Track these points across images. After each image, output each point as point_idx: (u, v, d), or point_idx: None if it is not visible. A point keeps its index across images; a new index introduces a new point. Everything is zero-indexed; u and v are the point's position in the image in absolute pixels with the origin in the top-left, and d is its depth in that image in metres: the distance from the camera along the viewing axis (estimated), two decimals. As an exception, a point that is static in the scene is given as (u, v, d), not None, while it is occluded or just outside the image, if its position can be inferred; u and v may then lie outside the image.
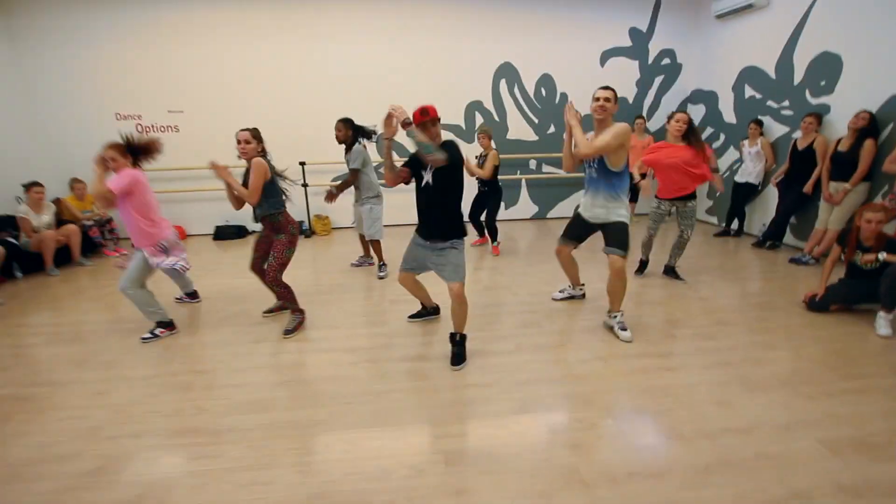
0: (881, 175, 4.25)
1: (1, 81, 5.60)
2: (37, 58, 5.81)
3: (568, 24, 6.42)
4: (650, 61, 6.74)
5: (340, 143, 4.26)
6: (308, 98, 6.32)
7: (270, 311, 3.64)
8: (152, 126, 6.15)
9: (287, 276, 3.31)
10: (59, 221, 5.27)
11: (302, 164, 6.31)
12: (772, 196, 5.48)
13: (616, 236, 3.10)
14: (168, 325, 3.32)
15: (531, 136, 6.82)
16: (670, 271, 4.35)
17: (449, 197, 2.74)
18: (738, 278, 4.41)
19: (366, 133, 4.26)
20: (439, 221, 2.78)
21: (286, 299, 3.29)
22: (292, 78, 6.24)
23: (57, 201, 5.43)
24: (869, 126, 4.30)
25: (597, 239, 3.37)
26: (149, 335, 3.23)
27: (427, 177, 2.71)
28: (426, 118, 2.57)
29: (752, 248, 5.41)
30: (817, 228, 4.75)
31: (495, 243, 5.33)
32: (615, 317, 3.20)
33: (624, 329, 3.14)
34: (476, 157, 5.09)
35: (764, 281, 4.39)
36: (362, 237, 4.77)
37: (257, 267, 3.41)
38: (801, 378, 2.66)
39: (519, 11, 6.30)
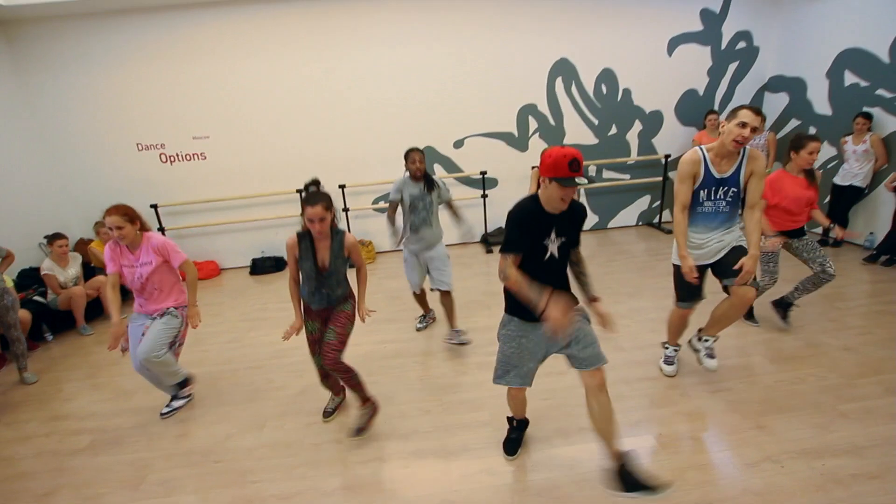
0: None
1: (8, 116, 5.07)
2: (46, 89, 5.26)
3: (631, 10, 5.64)
4: (723, 46, 5.94)
5: (418, 180, 3.37)
6: (342, 114, 5.68)
7: (331, 412, 2.89)
8: (177, 155, 5.60)
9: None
10: (87, 268, 4.81)
11: (341, 186, 5.74)
12: (883, 201, 4.77)
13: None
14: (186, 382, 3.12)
15: (591, 139, 6.12)
16: (783, 306, 3.55)
17: (567, 261, 2.12)
18: (875, 311, 3.73)
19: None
20: (565, 292, 2.14)
21: (353, 386, 2.63)
22: (326, 93, 5.59)
23: (82, 248, 4.96)
24: None
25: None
26: (170, 409, 3.06)
27: (552, 248, 2.03)
28: (575, 175, 1.85)
29: (863, 263, 4.72)
30: (958, 244, 4.05)
31: None
32: (706, 341, 2.87)
33: (712, 357, 2.87)
34: None
35: (911, 316, 3.70)
36: (420, 295, 3.80)
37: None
38: None
39: (575, 1, 5.53)
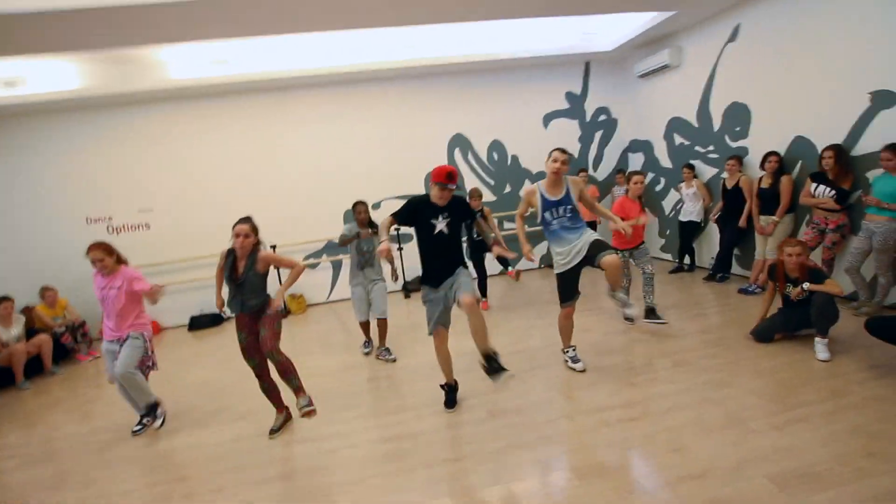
0: (802, 206, 4.71)
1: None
2: (8, 172, 6.03)
3: (510, 92, 7.06)
4: (588, 119, 7.39)
5: (365, 225, 4.38)
6: (274, 183, 6.66)
7: (277, 430, 3.23)
8: (123, 226, 6.32)
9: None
10: (30, 331, 5.25)
11: (273, 247, 6.51)
12: (715, 231, 5.93)
13: (601, 244, 3.36)
14: (156, 406, 3.52)
15: (490, 196, 7.24)
16: (651, 313, 4.41)
17: (459, 239, 3.17)
18: (692, 315, 4.70)
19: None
20: (452, 262, 3.11)
21: (288, 373, 3.15)
22: (257, 166, 6.60)
23: (27, 310, 5.43)
24: (780, 166, 4.83)
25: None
26: (140, 426, 3.47)
27: (441, 226, 3.04)
28: (447, 183, 2.93)
29: (703, 281, 5.77)
30: (757, 259, 5.15)
31: (484, 298, 5.65)
32: (619, 295, 3.52)
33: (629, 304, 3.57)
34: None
35: (716, 315, 4.69)
36: (365, 324, 4.58)
37: (253, 347, 3.14)
38: (750, 413, 2.86)
39: (465, 86, 6.93)
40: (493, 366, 2.92)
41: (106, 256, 3.34)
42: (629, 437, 2.76)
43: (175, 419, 3.67)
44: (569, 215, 3.46)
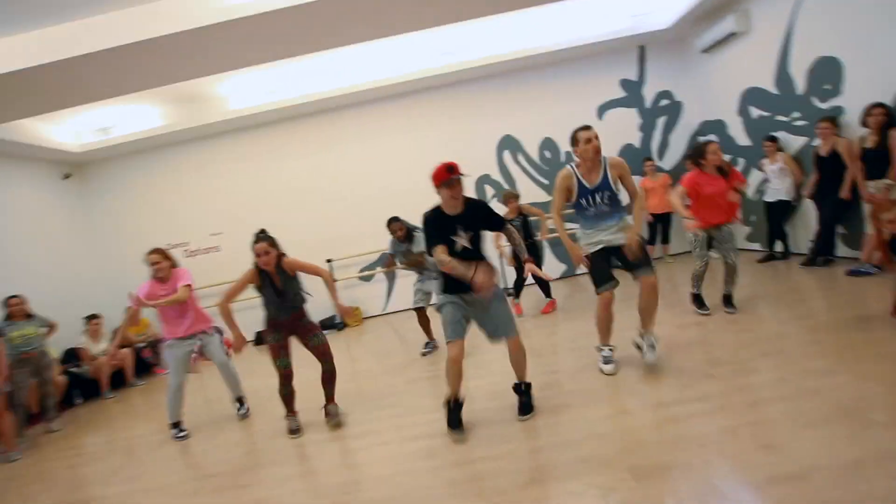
0: (922, 164, 3.83)
1: (73, 231, 6.63)
2: (102, 208, 6.90)
3: (558, 87, 6.75)
4: (648, 105, 6.82)
5: (402, 241, 4.48)
6: (330, 202, 6.91)
7: (296, 430, 3.19)
8: (198, 249, 6.88)
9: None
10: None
11: (329, 260, 6.68)
12: (811, 210, 5.04)
13: (643, 256, 2.92)
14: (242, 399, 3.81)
15: (544, 196, 6.87)
16: (727, 301, 3.90)
17: (483, 253, 2.66)
18: (788, 302, 3.93)
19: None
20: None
21: (332, 382, 3.24)
22: (312, 185, 6.91)
23: (116, 331, 5.97)
24: (889, 119, 4.00)
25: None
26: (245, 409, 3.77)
27: (463, 242, 2.60)
28: (452, 175, 2.49)
29: (802, 267, 4.87)
30: (869, 233, 4.24)
31: (518, 301, 5.23)
32: (644, 337, 3.05)
33: (653, 347, 2.99)
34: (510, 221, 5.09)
35: (820, 300, 3.89)
36: (423, 319, 4.57)
37: (286, 347, 3.20)
38: (870, 403, 2.23)
39: (510, 85, 6.74)
40: (524, 399, 2.77)
41: (163, 259, 3.60)
42: (702, 433, 2.25)
43: (214, 423, 3.72)
44: (607, 202, 2.97)
